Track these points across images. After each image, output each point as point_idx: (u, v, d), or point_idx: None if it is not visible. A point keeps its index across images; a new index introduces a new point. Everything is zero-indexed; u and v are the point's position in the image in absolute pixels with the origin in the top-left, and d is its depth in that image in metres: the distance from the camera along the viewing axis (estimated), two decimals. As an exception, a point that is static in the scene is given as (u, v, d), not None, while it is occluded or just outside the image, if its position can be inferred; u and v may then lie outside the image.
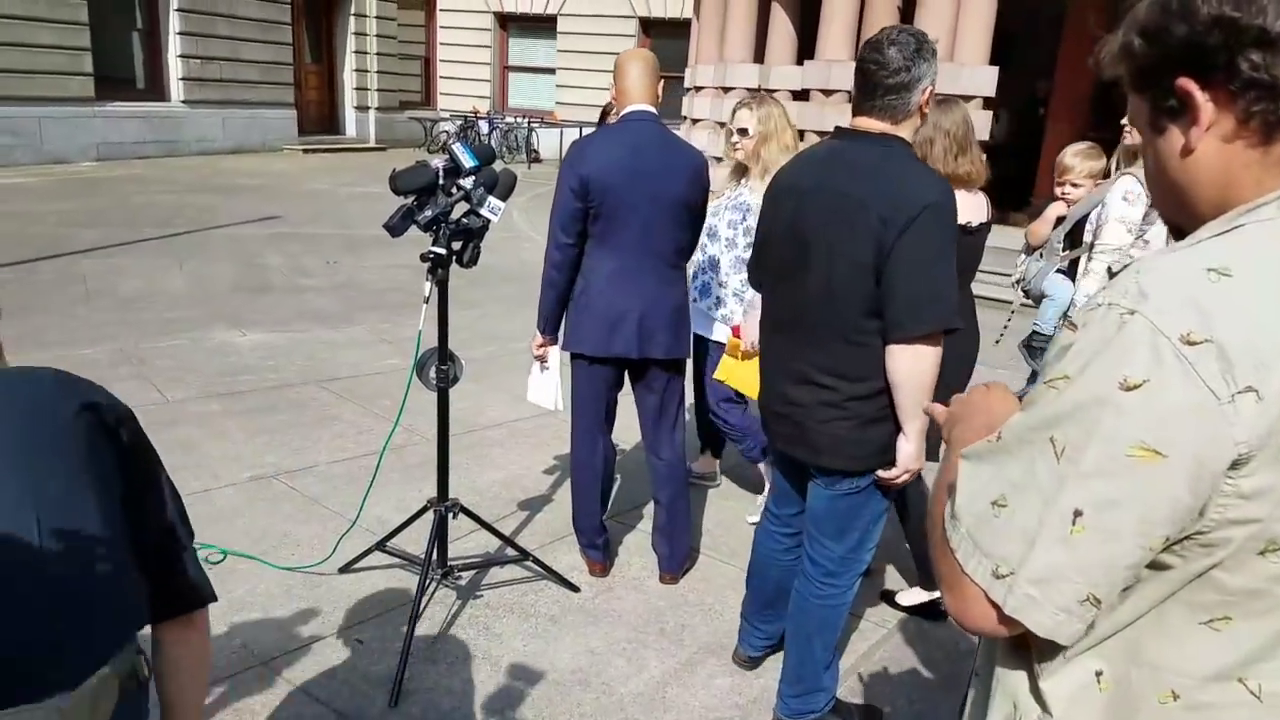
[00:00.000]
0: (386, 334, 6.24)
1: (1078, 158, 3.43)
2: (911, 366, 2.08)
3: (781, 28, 11.81)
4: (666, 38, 18.49)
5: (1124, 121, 3.15)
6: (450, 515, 2.91)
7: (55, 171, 12.48)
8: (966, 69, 9.19)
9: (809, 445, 2.26)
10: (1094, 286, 3.03)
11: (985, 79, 9.37)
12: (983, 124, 9.48)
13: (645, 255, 2.94)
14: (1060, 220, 3.42)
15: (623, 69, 2.96)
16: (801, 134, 10.40)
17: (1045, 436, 0.82)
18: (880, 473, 2.23)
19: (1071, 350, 0.83)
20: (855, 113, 2.16)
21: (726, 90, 12.09)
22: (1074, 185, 3.40)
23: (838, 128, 2.23)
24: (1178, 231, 0.95)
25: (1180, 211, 0.93)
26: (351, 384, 5.23)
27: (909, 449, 2.18)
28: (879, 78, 2.07)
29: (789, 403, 2.27)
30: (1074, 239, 3.34)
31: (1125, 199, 3.06)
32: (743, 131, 3.43)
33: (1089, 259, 3.13)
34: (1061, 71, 11.84)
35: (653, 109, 2.95)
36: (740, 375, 3.46)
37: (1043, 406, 0.83)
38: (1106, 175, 3.37)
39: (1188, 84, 0.85)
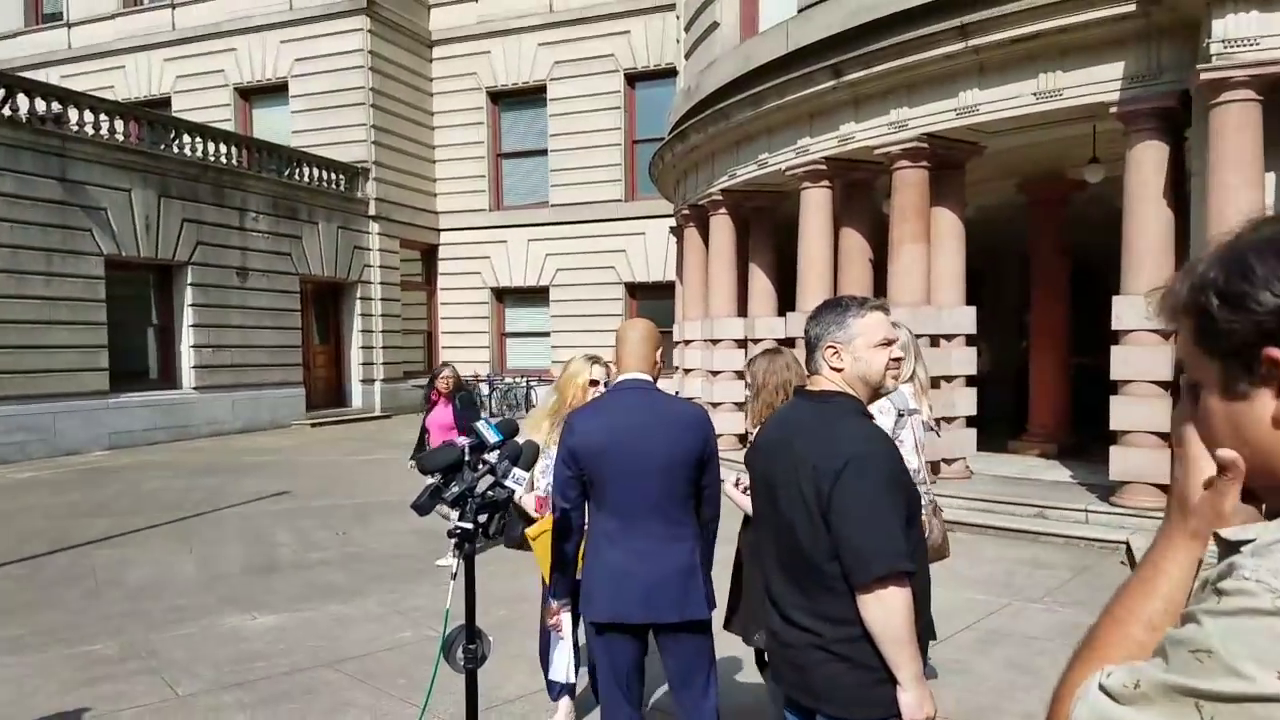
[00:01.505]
0: (397, 604, 6.16)
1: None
2: (879, 613, 2.09)
3: (760, 284, 12.70)
4: (651, 299, 19.71)
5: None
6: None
7: (68, 463, 12.73)
8: (945, 310, 9.74)
9: (811, 691, 2.23)
10: None
11: (965, 318, 9.90)
12: (968, 360, 9.94)
13: (640, 515, 2.97)
14: None
15: (618, 339, 3.19)
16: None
17: (1191, 703, 0.78)
18: None
19: (1217, 621, 0.79)
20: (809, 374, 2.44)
21: (715, 342, 12.76)
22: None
23: (796, 388, 2.47)
24: (1249, 495, 0.91)
25: (1269, 477, 0.90)
26: (364, 663, 5.10)
27: (908, 699, 2.12)
28: (809, 339, 2.38)
29: (785, 644, 2.29)
30: None
31: (880, 412, 3.54)
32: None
33: None
34: (1037, 306, 12.56)
35: (644, 375, 3.09)
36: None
37: (1188, 675, 0.79)
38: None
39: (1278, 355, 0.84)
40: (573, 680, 3.28)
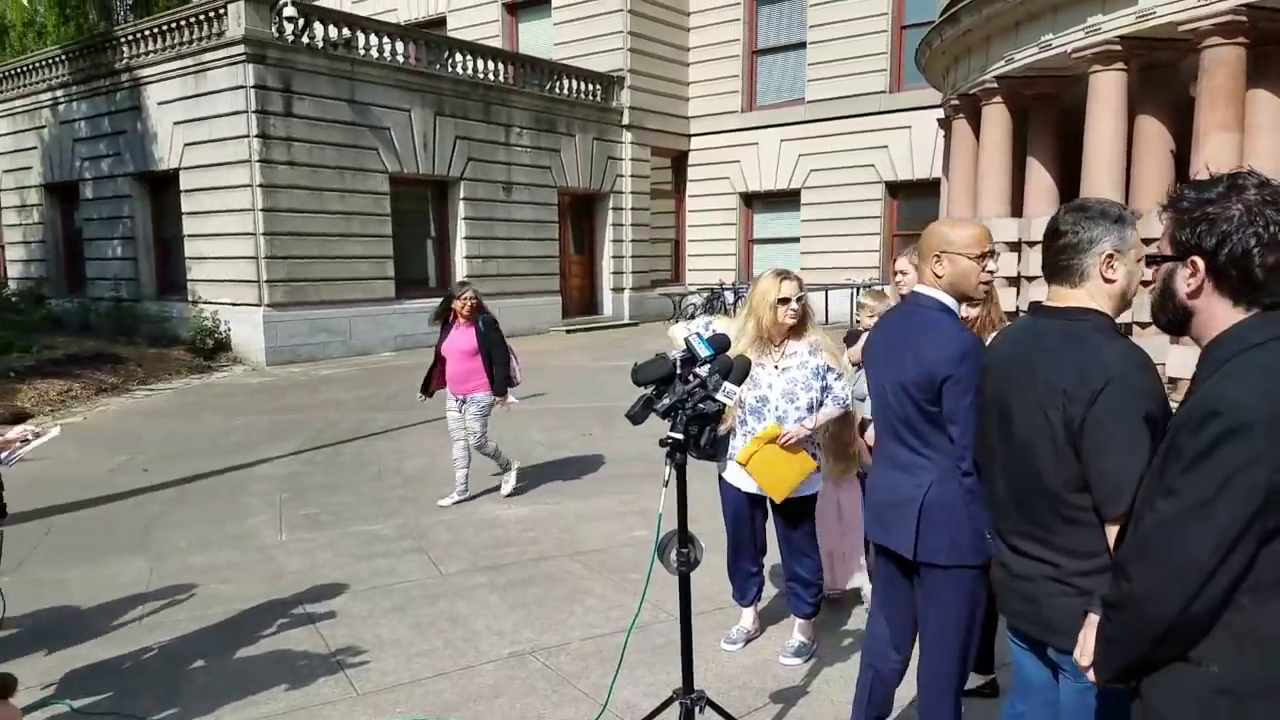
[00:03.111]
0: (633, 505, 6.41)
1: (868, 298, 4.54)
2: None
3: (1039, 180, 11.56)
4: (914, 198, 18.59)
5: (896, 267, 3.97)
6: (697, 709, 2.83)
7: (360, 362, 14.30)
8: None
9: (1043, 623, 2.11)
10: None
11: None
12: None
13: (885, 438, 2.82)
14: None
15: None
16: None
17: None
18: None
19: None
20: (1047, 284, 2.21)
21: (979, 247, 11.87)
22: (869, 318, 4.27)
23: (1032, 303, 2.23)
24: None
25: None
26: (602, 556, 5.38)
27: None
28: (1049, 246, 2.17)
29: (1015, 575, 2.17)
30: None
31: None
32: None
33: None
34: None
35: (925, 290, 2.72)
36: (765, 463, 3.50)
37: None
38: None
39: None
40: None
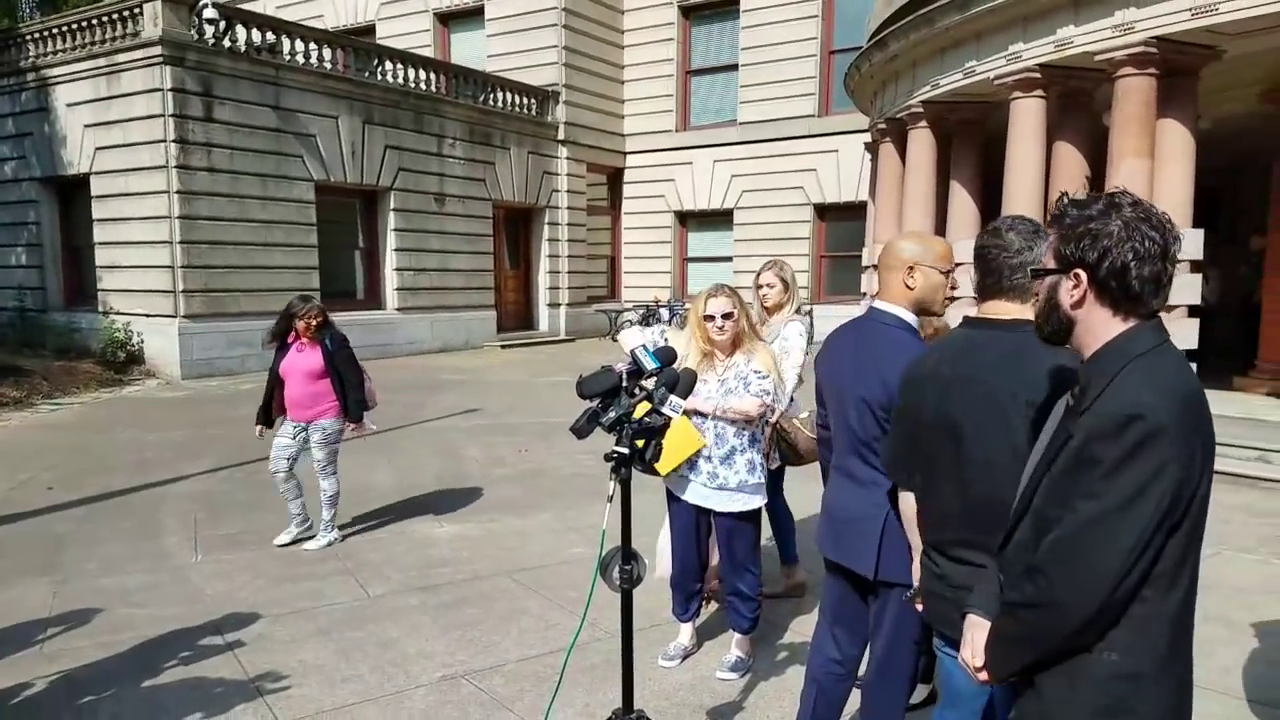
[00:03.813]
0: (573, 521, 6.31)
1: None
2: None
3: (962, 204, 11.85)
4: (841, 220, 18.96)
5: (761, 280, 4.66)
6: (636, 730, 2.75)
7: (286, 375, 13.82)
8: (1169, 233, 8.80)
9: None
10: (787, 385, 4.41)
11: (1190, 242, 8.88)
12: (1191, 288, 8.94)
13: (844, 454, 2.81)
14: None
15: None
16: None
17: None
18: None
19: None
20: (983, 299, 2.23)
21: (906, 267, 12.12)
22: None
23: (966, 317, 2.27)
24: None
25: None
26: (539, 574, 5.26)
27: None
28: (1002, 260, 2.20)
29: (954, 585, 2.18)
30: None
31: (800, 334, 4.57)
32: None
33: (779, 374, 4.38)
34: (1276, 228, 11.05)
35: (883, 305, 2.72)
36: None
37: None
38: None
39: None
40: None
